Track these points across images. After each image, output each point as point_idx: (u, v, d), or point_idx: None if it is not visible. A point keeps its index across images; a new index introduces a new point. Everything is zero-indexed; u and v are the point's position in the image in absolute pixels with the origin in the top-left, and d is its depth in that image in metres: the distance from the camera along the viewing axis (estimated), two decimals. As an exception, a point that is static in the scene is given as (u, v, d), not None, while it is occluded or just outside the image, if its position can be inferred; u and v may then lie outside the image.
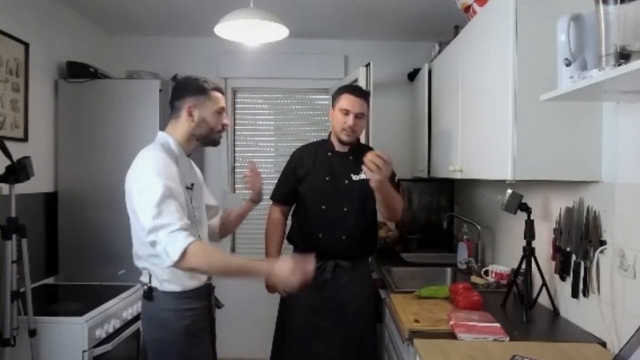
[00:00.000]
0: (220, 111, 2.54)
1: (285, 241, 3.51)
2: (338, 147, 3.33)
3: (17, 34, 3.51)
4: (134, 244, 2.44)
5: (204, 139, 2.53)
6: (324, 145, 3.42)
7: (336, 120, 3.24)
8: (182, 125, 2.48)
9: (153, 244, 2.17)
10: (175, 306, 2.39)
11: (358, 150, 3.28)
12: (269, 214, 3.54)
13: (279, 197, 3.50)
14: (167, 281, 2.38)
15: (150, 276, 2.40)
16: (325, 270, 3.25)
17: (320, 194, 3.30)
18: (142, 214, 2.20)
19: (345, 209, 3.25)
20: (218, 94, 2.55)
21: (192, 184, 2.50)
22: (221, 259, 2.28)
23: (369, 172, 2.84)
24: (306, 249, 3.25)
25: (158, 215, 2.16)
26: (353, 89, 3.30)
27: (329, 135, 3.42)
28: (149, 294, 2.41)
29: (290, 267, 2.23)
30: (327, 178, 3.29)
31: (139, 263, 2.45)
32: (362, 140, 3.73)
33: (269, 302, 3.64)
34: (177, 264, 2.15)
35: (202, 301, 2.50)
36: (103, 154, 3.93)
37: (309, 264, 2.27)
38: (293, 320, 3.34)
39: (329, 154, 3.35)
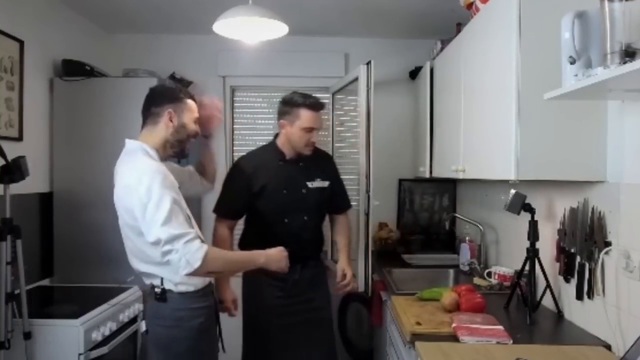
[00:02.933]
0: (196, 120, 2.67)
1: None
2: (288, 155, 3.28)
3: (12, 31, 3.46)
4: (134, 255, 2.51)
5: (178, 146, 2.62)
6: (272, 153, 3.31)
7: (297, 137, 3.18)
8: (159, 131, 2.55)
9: (168, 253, 2.25)
10: (189, 305, 2.49)
11: (304, 155, 3.28)
12: (214, 229, 3.32)
13: (226, 212, 3.32)
14: (182, 283, 2.47)
15: (162, 279, 2.47)
16: (294, 272, 3.15)
17: (281, 208, 3.24)
18: (152, 226, 2.26)
19: (305, 218, 3.27)
20: (193, 103, 2.67)
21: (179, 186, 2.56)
22: (232, 256, 2.68)
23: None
24: None
25: (171, 227, 2.25)
26: (311, 104, 3.19)
27: (274, 141, 3.36)
28: (163, 295, 2.47)
29: (280, 252, 2.75)
30: (284, 191, 3.23)
31: (147, 269, 2.49)
32: (362, 139, 3.73)
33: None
34: (196, 271, 2.28)
35: (210, 298, 2.63)
36: (99, 153, 3.86)
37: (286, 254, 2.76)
38: (260, 321, 3.31)
39: (280, 162, 3.28)
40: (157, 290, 2.47)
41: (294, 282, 3.26)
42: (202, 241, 2.34)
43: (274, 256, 2.70)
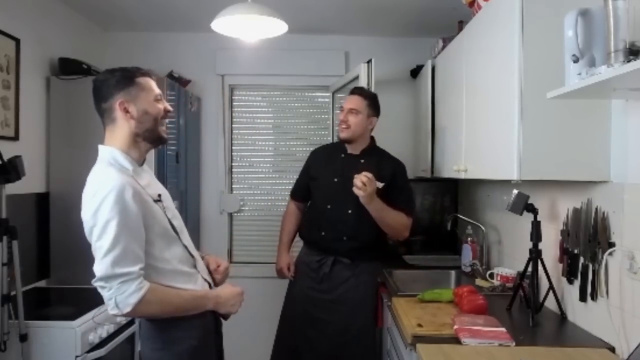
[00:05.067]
0: (158, 98, 2.24)
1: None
2: (350, 149, 3.49)
3: (8, 29, 3.43)
4: None
5: (151, 135, 2.23)
6: (338, 147, 3.57)
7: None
8: (121, 128, 2.18)
9: (101, 288, 1.99)
10: (180, 324, 2.18)
11: (370, 154, 3.48)
12: (286, 208, 3.82)
13: (295, 193, 3.76)
14: None
15: None
16: (324, 264, 3.44)
17: (327, 194, 3.48)
18: (96, 254, 2.01)
19: (349, 211, 3.36)
20: (147, 79, 2.23)
21: (159, 195, 2.26)
22: (174, 299, 2.14)
23: (356, 189, 3.07)
24: (310, 242, 3.58)
25: (111, 262, 1.96)
26: (354, 88, 3.57)
27: None
28: None
29: (232, 295, 2.34)
30: (335, 179, 3.44)
31: None
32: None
33: (270, 311, 3.63)
34: (126, 315, 2.04)
35: (208, 316, 2.29)
36: (96, 153, 3.79)
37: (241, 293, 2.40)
38: (293, 309, 3.55)
39: (342, 155, 3.50)
40: None
41: (324, 276, 3.45)
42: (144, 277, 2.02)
43: (226, 300, 2.31)
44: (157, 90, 2.25)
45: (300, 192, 3.70)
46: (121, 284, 1.96)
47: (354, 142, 3.45)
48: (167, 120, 2.31)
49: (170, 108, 2.30)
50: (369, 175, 3.06)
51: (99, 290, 2.00)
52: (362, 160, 3.42)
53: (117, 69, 2.21)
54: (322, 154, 3.65)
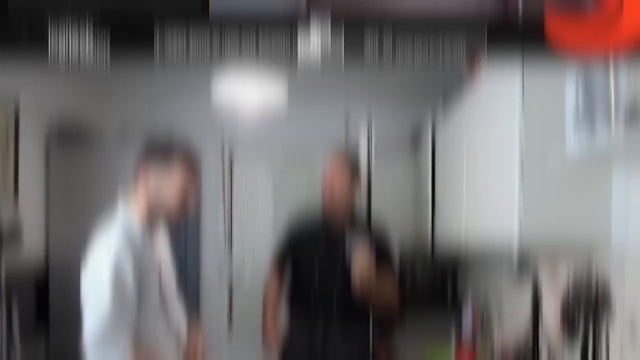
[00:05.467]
0: (176, 199, 2.19)
1: None
2: (333, 218, 3.45)
3: (6, 92, 3.44)
4: None
5: (159, 217, 2.24)
6: (320, 216, 3.53)
7: None
8: (138, 195, 2.20)
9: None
10: None
11: (352, 221, 3.46)
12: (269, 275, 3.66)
13: (276, 262, 3.61)
14: None
15: None
16: (316, 336, 3.35)
17: (313, 263, 3.45)
18: (85, 319, 2.00)
19: (338, 277, 3.33)
20: (179, 170, 2.18)
21: (160, 265, 2.26)
22: None
23: (356, 278, 3.11)
24: (299, 313, 3.50)
25: (100, 334, 1.95)
26: (336, 156, 3.56)
27: None
28: None
29: None
30: (320, 247, 3.45)
31: None
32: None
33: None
34: None
35: None
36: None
37: None
38: None
39: (324, 224, 3.49)
40: None
41: (317, 349, 3.35)
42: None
43: None
44: (181, 188, 2.17)
45: (282, 260, 3.58)
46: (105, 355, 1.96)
47: (337, 211, 3.40)
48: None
49: (189, 206, 2.24)
50: (369, 263, 3.08)
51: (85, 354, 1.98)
52: (346, 230, 3.38)
53: (162, 144, 2.21)
54: (301, 227, 3.58)
